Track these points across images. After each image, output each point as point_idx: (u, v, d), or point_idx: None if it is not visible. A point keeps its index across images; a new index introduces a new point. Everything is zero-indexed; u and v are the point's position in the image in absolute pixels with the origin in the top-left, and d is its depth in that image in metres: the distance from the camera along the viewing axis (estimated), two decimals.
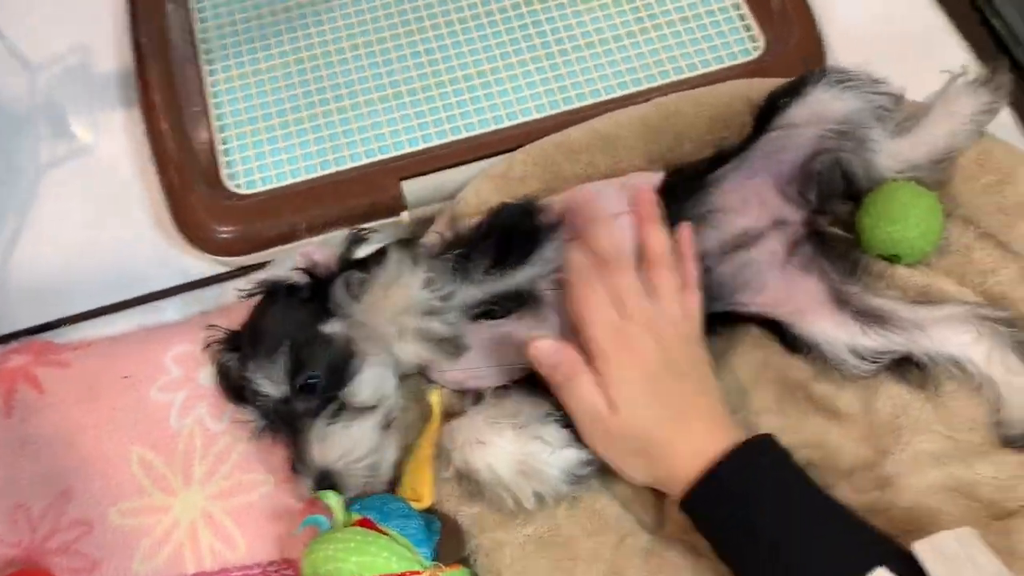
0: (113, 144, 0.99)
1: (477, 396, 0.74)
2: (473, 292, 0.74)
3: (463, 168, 0.88)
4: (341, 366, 0.72)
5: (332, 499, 0.70)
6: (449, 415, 0.75)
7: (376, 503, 0.71)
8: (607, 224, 0.75)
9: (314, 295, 0.74)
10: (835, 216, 0.82)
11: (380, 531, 0.68)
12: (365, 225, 0.82)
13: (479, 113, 0.95)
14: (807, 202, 0.81)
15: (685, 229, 0.76)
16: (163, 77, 0.95)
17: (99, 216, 0.95)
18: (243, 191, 0.91)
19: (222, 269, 0.91)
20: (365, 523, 0.69)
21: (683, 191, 0.79)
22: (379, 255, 0.75)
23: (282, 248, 0.89)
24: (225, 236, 0.88)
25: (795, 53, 0.95)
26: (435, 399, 0.75)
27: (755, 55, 0.97)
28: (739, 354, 0.81)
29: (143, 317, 0.89)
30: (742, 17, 0.99)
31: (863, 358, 0.76)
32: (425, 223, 0.87)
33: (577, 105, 0.94)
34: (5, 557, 0.75)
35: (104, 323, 0.89)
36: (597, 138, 0.86)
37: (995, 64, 0.82)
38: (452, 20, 1.00)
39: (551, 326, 0.74)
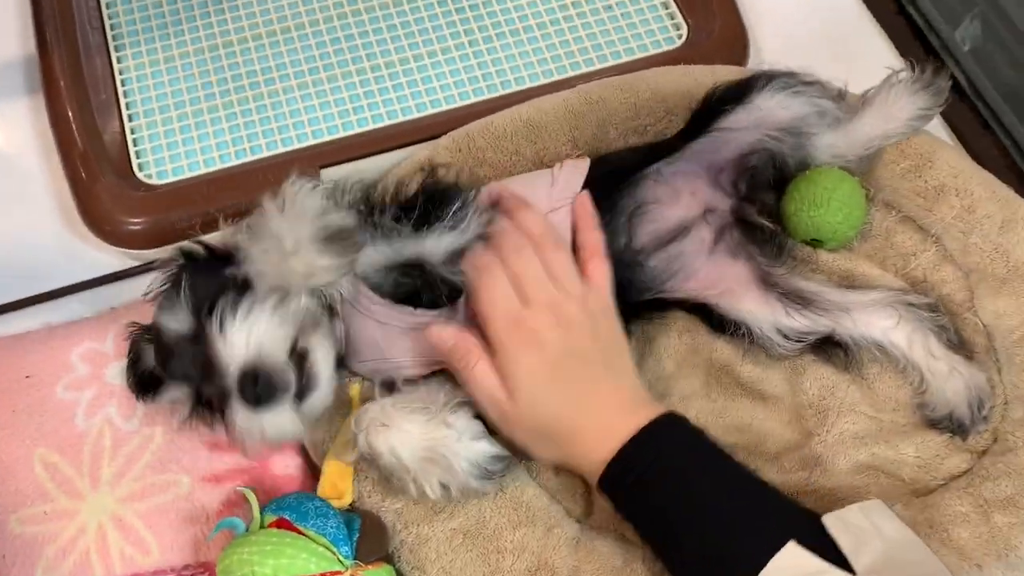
0: (15, 134, 0.94)
1: (392, 387, 0.72)
2: (384, 250, 0.70)
3: (386, 155, 0.86)
4: (246, 282, 0.67)
5: (250, 496, 0.67)
6: None
7: (292, 503, 0.68)
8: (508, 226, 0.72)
9: (213, 254, 0.71)
10: (762, 203, 0.82)
11: (298, 531, 0.66)
12: None
13: (402, 100, 0.93)
14: (736, 191, 0.81)
15: (582, 196, 0.74)
16: (69, 63, 0.91)
17: (0, 209, 0.90)
18: (154, 181, 0.88)
19: (132, 263, 0.87)
20: (282, 524, 0.66)
21: (613, 185, 0.78)
22: None
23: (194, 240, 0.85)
24: (135, 228, 0.84)
25: (718, 40, 0.95)
26: (355, 391, 0.73)
27: (679, 43, 0.97)
28: (666, 340, 0.81)
29: (48, 315, 0.85)
30: (665, 5, 0.99)
31: (788, 338, 0.76)
32: None
33: (501, 92, 0.93)
34: None
35: (6, 321, 0.84)
36: (522, 125, 0.85)
37: (935, 67, 0.82)
38: (373, 6, 0.98)
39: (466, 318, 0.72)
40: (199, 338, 0.65)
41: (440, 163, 0.82)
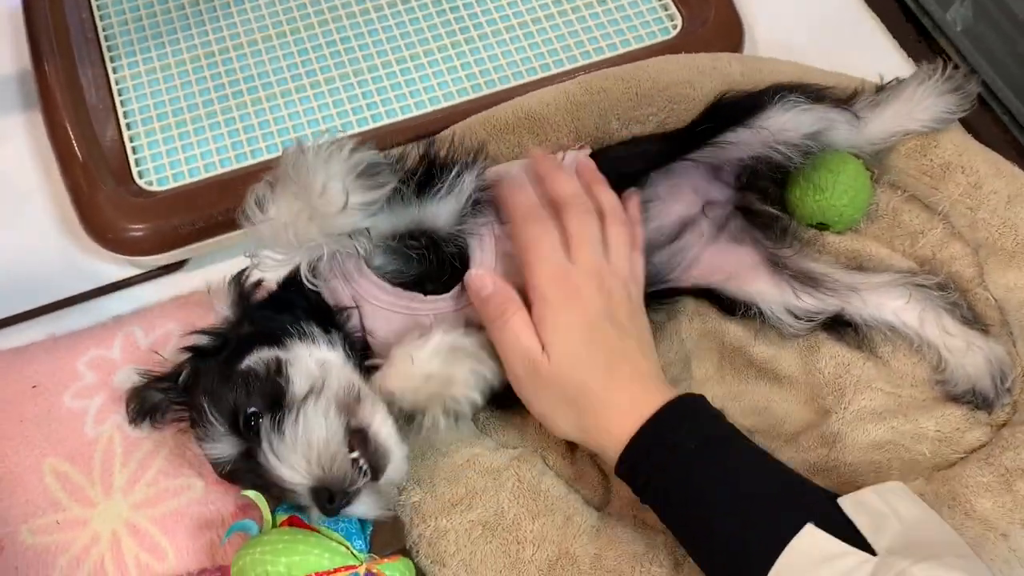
0: (13, 149, 0.94)
1: None
2: (390, 218, 0.69)
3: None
4: (271, 381, 0.65)
5: (259, 499, 0.66)
6: None
7: None
8: (567, 172, 0.72)
9: (224, 343, 0.69)
10: (764, 192, 0.82)
11: (310, 529, 0.65)
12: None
13: (400, 99, 0.92)
14: (738, 182, 0.80)
15: (634, 195, 0.74)
16: (65, 75, 0.91)
17: (1, 222, 0.89)
18: (155, 188, 0.87)
19: (135, 271, 0.87)
20: (294, 522, 0.66)
21: (614, 182, 0.76)
22: None
23: (197, 245, 0.84)
24: (137, 234, 0.83)
25: (713, 29, 0.95)
26: None
27: (674, 34, 0.97)
28: (677, 326, 0.80)
29: (52, 326, 0.84)
30: None
31: (798, 317, 0.76)
32: None
33: (499, 88, 0.93)
34: None
35: (10, 334, 0.83)
36: (524, 117, 0.84)
37: (968, 72, 0.81)
38: (367, 8, 0.98)
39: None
40: (251, 453, 0.63)
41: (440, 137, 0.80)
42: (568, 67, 0.94)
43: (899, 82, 0.82)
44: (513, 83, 0.93)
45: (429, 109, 0.92)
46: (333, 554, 0.63)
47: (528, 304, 0.66)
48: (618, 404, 0.64)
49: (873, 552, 0.56)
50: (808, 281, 0.77)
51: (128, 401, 0.72)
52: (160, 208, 0.85)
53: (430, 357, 0.65)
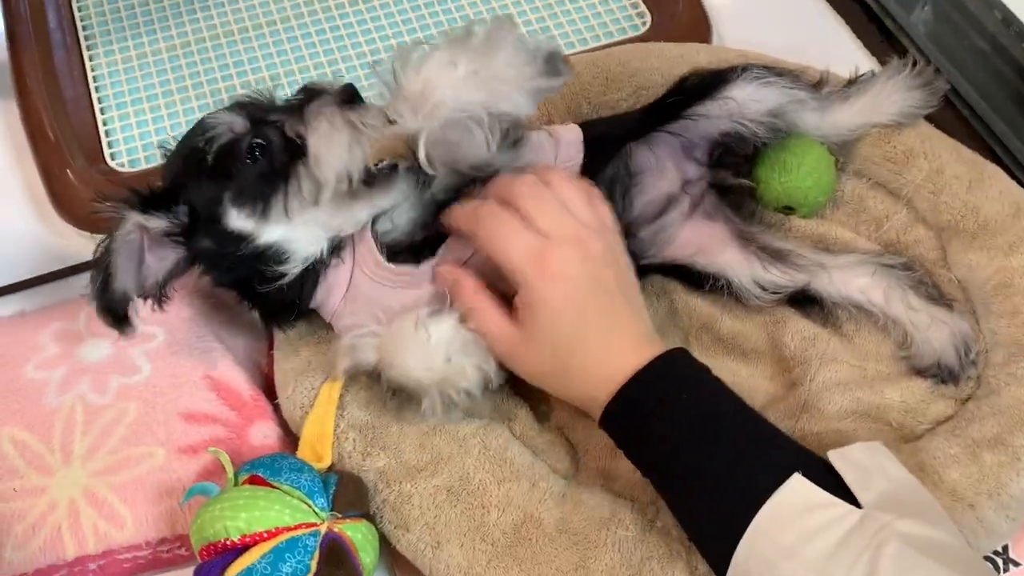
0: None
1: None
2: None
3: None
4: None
5: (222, 456, 0.66)
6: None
7: (266, 461, 0.66)
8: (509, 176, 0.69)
9: None
10: (736, 169, 0.82)
11: (271, 487, 0.64)
12: None
13: (372, 89, 0.93)
14: (710, 159, 0.81)
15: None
16: (41, 60, 0.92)
17: None
18: (126, 169, 0.87)
19: None
20: (255, 480, 0.64)
21: (600, 152, 0.77)
22: None
23: None
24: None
25: (680, 28, 0.98)
26: (341, 358, 0.72)
27: (643, 31, 0.99)
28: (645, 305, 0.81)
29: (23, 303, 0.83)
30: None
31: (764, 288, 0.76)
32: None
33: None
34: None
35: None
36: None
37: (935, 69, 0.84)
38: (343, 3, 0.99)
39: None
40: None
41: None
42: None
43: (869, 76, 0.84)
44: None
45: None
46: (294, 511, 0.62)
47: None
48: (611, 363, 0.63)
49: (859, 506, 0.56)
50: (776, 255, 0.78)
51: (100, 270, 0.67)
52: (130, 185, 0.85)
53: (449, 340, 0.65)
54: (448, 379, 0.66)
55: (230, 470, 0.65)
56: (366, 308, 0.70)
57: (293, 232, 0.67)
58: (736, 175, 0.82)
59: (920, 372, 0.76)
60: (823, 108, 0.82)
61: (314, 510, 0.63)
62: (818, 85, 0.83)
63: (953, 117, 0.96)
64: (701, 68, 0.82)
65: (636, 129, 0.80)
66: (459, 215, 0.67)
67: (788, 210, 0.84)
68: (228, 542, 0.61)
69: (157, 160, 0.88)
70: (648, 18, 1.00)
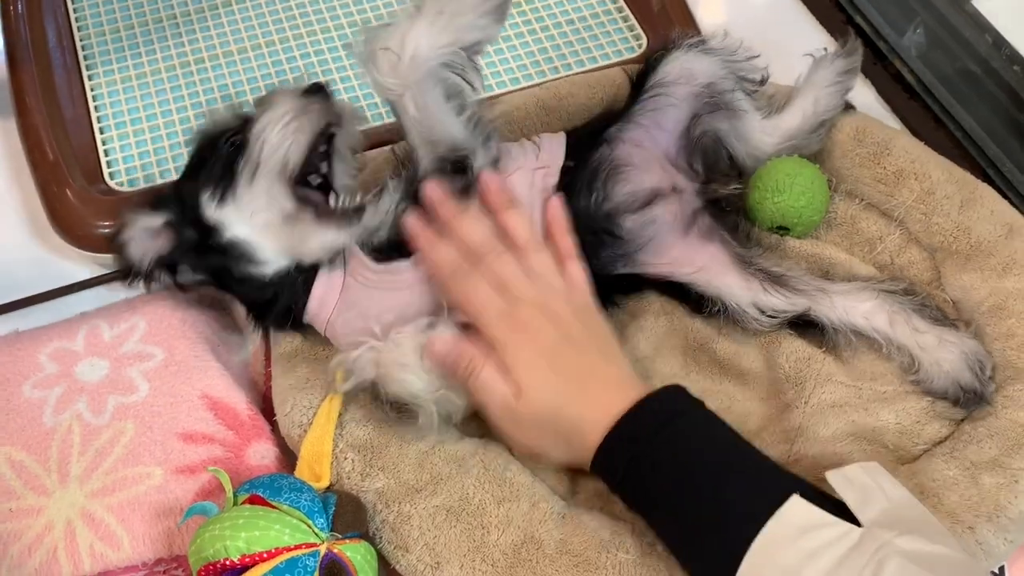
0: None
1: None
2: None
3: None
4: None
5: (222, 476, 0.65)
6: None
7: (266, 480, 0.66)
8: (472, 215, 0.72)
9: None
10: (726, 192, 0.84)
11: (271, 506, 0.64)
12: None
13: (371, 108, 0.94)
14: (696, 173, 0.82)
15: (554, 202, 0.74)
16: (41, 80, 0.92)
17: None
18: (125, 188, 0.88)
19: (101, 272, 0.86)
20: (255, 500, 0.64)
21: (585, 147, 0.79)
22: None
23: None
24: (105, 231, 0.83)
25: None
26: (339, 375, 0.72)
27: (639, 52, 1.00)
28: (643, 323, 0.81)
29: (17, 322, 0.83)
30: (624, 18, 1.03)
31: (764, 313, 0.77)
32: None
33: None
34: None
35: None
36: (498, 117, 0.85)
37: (846, 38, 0.89)
38: (342, 24, 1.00)
39: None
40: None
41: None
42: (536, 82, 0.97)
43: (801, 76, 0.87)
44: (485, 94, 0.95)
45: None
46: (294, 531, 0.62)
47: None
48: (593, 419, 0.64)
49: (859, 525, 0.56)
50: (777, 279, 0.78)
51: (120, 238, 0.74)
52: (129, 206, 0.85)
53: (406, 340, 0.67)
54: (447, 396, 0.68)
55: (229, 490, 0.65)
56: (360, 318, 0.71)
57: (254, 235, 0.72)
58: (726, 185, 0.83)
59: (936, 396, 0.75)
60: (775, 110, 0.85)
61: (314, 530, 0.63)
62: (762, 82, 0.85)
63: (945, 139, 0.97)
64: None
65: (613, 116, 0.82)
66: (431, 258, 0.71)
67: (782, 230, 0.85)
68: (228, 562, 0.60)
69: (156, 180, 0.89)
70: (644, 40, 1.01)
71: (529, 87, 0.95)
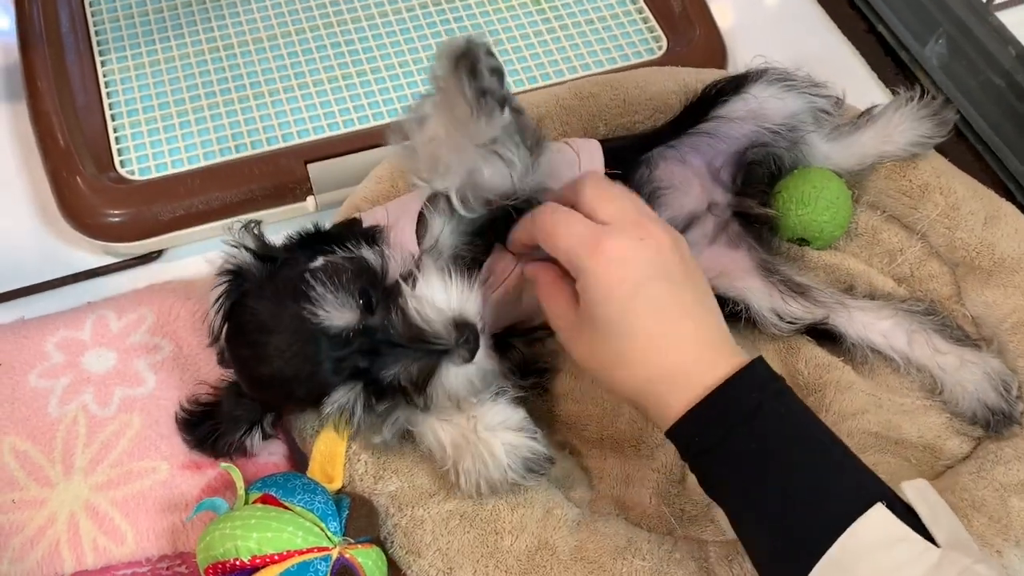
0: None
1: None
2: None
3: (372, 152, 0.86)
4: (371, 267, 0.64)
5: (235, 472, 0.64)
6: None
7: (279, 480, 0.65)
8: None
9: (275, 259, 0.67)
10: (761, 197, 0.82)
11: (284, 507, 0.62)
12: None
13: (388, 104, 0.93)
14: (734, 185, 0.81)
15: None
16: (53, 65, 0.90)
17: None
18: (136, 177, 0.86)
19: (109, 260, 0.85)
20: (267, 500, 0.63)
21: (624, 164, 0.76)
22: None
23: (178, 234, 0.83)
24: (114, 220, 0.82)
25: (696, 52, 0.97)
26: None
27: (659, 54, 0.99)
28: None
29: (23, 309, 0.81)
30: (645, 20, 1.01)
31: (783, 318, 0.76)
32: None
33: None
34: None
35: None
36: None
37: (944, 99, 0.84)
38: (359, 16, 0.99)
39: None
40: (367, 329, 0.61)
41: None
42: (556, 80, 0.96)
43: (880, 107, 0.85)
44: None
45: None
46: (307, 534, 0.61)
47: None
48: (684, 365, 0.60)
49: (932, 541, 0.54)
50: (797, 288, 0.77)
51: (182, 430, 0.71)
52: (140, 194, 0.84)
53: (495, 432, 0.64)
54: (482, 456, 0.65)
55: (241, 487, 0.64)
56: None
57: None
58: (761, 204, 0.81)
59: (965, 419, 0.74)
60: (836, 136, 0.82)
61: (327, 534, 0.61)
62: (837, 103, 0.83)
63: (966, 151, 0.96)
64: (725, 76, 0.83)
65: (660, 137, 0.80)
66: (521, 227, 0.67)
67: (802, 242, 0.84)
68: (237, 562, 0.59)
69: (168, 169, 0.87)
70: (664, 42, 0.99)
71: (547, 86, 0.95)
